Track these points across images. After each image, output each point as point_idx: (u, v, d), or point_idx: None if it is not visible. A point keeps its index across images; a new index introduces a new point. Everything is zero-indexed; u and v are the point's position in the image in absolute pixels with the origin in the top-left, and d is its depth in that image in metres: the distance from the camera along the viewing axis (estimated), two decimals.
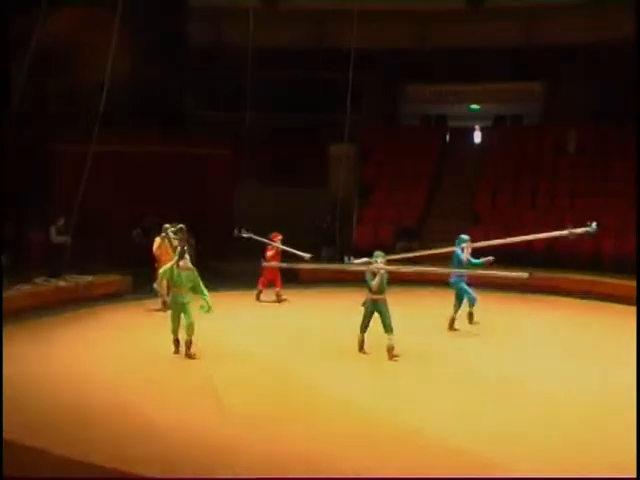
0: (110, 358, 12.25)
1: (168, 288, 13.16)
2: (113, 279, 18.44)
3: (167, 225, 16.03)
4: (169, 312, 12.76)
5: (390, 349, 12.15)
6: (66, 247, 17.20)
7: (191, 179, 22.37)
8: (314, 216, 23.71)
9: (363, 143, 26.42)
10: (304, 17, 27.57)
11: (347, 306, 14.53)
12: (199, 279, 12.43)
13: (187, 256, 12.42)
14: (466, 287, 14.69)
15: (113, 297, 17.69)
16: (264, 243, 17.65)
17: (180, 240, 14.90)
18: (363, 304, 12.36)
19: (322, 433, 8.93)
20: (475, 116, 30.15)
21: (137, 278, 18.28)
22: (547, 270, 19.94)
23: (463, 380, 11.19)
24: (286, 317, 16.27)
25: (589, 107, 26.13)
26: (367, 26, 24.06)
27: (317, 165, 25.19)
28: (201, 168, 22.74)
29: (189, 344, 12.19)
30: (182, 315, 12.21)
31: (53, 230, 17.57)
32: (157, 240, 16.08)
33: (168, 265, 12.54)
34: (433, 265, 15.51)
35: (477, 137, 29.51)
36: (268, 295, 17.75)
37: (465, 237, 15.00)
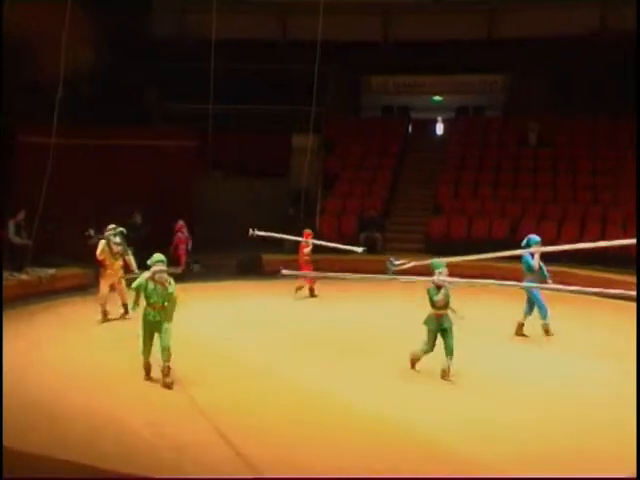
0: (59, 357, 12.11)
1: (137, 297, 11.31)
2: (77, 272, 18.27)
3: (112, 226, 14.89)
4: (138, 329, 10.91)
5: (446, 372, 10.81)
6: (27, 245, 17.11)
7: (155, 172, 22.30)
8: (278, 207, 23.77)
9: (327, 134, 26.48)
10: (268, 8, 27.50)
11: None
12: (174, 301, 10.65)
13: (162, 268, 10.59)
14: (539, 296, 13.33)
15: (77, 290, 17.51)
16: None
17: (119, 244, 14.66)
18: (425, 322, 10.99)
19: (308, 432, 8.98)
20: (437, 107, 30.33)
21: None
22: (507, 260, 20.12)
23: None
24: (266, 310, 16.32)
25: (551, 99, 26.40)
26: (331, 18, 24.03)
27: (281, 156, 25.21)
28: (165, 160, 22.67)
29: (166, 371, 10.49)
30: (156, 335, 10.59)
31: (12, 226, 17.41)
32: (101, 243, 14.71)
33: (142, 278, 10.76)
34: None
35: (439, 128, 29.71)
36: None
37: (536, 238, 13.32)
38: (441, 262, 10.86)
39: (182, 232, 20.22)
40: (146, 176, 21.93)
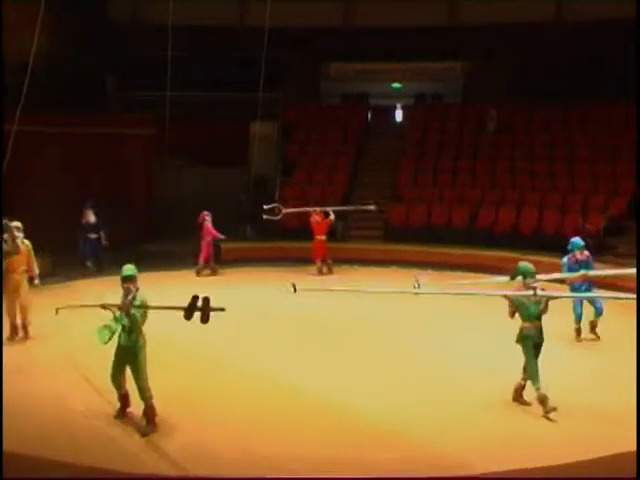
0: None
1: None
2: None
3: (15, 223, 12.64)
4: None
5: (520, 390, 9.45)
6: None
7: (112, 160, 22.06)
8: (236, 195, 23.64)
9: (285, 121, 26.36)
10: None
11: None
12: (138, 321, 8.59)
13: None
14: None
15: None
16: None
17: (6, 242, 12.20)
18: (518, 340, 9.29)
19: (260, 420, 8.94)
20: (397, 95, 30.32)
21: (57, 260, 17.93)
22: (466, 247, 20.32)
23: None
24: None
25: (509, 87, 26.50)
26: (290, 4, 24.01)
27: (239, 144, 25.04)
28: (122, 148, 22.42)
29: (150, 414, 8.42)
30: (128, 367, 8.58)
31: None
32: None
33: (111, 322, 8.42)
34: None
35: (399, 115, 29.71)
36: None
37: (579, 242, 12.66)
38: (531, 268, 9.33)
39: (207, 221, 19.39)
40: (103, 165, 21.67)
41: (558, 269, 17.37)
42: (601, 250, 18.02)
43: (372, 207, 17.16)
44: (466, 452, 7.86)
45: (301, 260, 19.94)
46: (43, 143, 20.73)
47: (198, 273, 19.04)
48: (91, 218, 19.14)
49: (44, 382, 10.08)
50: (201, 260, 19.17)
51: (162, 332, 11.88)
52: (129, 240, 20.46)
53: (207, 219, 19.29)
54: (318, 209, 19.51)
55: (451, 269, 19.26)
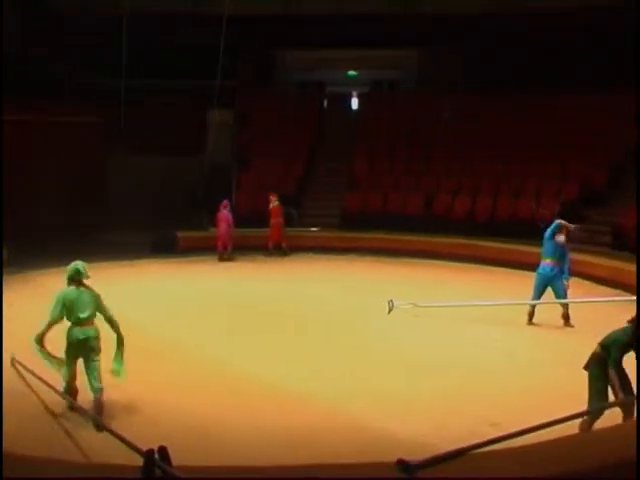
0: None
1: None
2: None
3: None
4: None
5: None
6: None
7: (63, 148, 21.75)
8: (192, 183, 23.51)
9: (241, 109, 26.22)
10: None
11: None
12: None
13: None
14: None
15: None
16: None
17: None
18: (587, 367, 7.74)
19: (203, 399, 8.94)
20: (353, 82, 30.32)
21: (11, 250, 17.63)
22: (422, 234, 20.44)
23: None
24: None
25: (464, 74, 26.67)
26: None
27: (195, 132, 24.87)
28: (73, 137, 22.11)
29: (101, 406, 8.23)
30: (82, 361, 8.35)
31: None
32: None
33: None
34: None
35: (355, 103, 29.72)
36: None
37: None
38: None
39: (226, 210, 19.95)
40: (54, 153, 21.36)
41: (514, 254, 17.78)
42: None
43: (314, 229, 19.24)
44: (424, 437, 7.87)
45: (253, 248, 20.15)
46: None
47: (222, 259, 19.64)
48: None
49: None
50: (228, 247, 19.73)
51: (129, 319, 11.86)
52: (82, 230, 20.23)
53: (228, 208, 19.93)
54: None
55: (407, 256, 19.42)
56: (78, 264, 8.38)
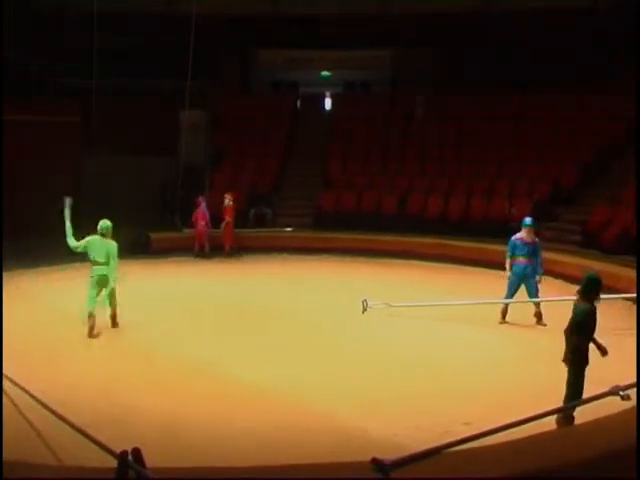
0: None
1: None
2: None
3: None
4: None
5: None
6: None
7: (36, 147, 21.51)
8: (164, 184, 23.38)
9: (215, 109, 26.13)
10: None
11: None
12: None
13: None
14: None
15: None
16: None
17: None
18: (565, 359, 7.87)
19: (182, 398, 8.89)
20: (326, 83, 30.34)
21: None
22: (396, 234, 20.47)
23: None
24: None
25: (437, 74, 26.73)
26: None
27: (168, 132, 24.69)
28: (45, 137, 21.85)
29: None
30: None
31: None
32: None
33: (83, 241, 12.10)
34: None
35: (328, 104, 29.74)
36: None
37: (527, 221, 13.02)
38: None
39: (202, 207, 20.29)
40: (26, 152, 21.13)
41: (487, 253, 17.85)
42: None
43: (289, 229, 20.33)
44: (398, 437, 7.88)
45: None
46: None
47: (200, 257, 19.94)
48: None
49: None
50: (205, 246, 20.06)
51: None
52: (55, 231, 19.98)
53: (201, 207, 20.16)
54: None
55: (382, 255, 19.46)
56: (108, 223, 12.06)
